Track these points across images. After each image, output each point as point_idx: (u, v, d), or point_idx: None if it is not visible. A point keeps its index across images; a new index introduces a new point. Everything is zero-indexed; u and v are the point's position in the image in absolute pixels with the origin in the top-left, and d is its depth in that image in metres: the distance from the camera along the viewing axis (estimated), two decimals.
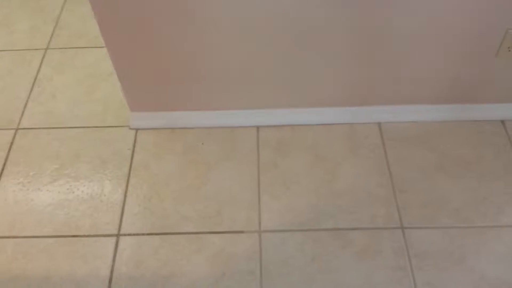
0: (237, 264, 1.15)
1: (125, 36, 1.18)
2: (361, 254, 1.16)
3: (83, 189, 1.30)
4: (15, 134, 1.44)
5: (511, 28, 1.17)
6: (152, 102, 1.40)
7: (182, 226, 1.22)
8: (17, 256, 1.18)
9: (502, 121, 1.40)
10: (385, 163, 1.32)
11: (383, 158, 1.33)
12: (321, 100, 1.39)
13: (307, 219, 1.22)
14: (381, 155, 1.34)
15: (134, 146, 1.39)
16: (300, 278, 1.13)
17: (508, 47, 1.21)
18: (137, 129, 1.43)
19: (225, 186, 1.29)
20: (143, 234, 1.21)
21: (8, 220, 1.24)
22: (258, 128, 1.42)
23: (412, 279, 1.12)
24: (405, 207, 1.24)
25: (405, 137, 1.38)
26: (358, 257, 1.16)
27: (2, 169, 1.36)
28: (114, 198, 1.28)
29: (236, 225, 1.22)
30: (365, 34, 1.18)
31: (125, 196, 1.29)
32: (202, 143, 1.39)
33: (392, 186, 1.28)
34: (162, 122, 1.43)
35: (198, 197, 1.27)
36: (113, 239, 1.21)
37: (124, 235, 1.22)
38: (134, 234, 1.22)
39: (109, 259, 1.17)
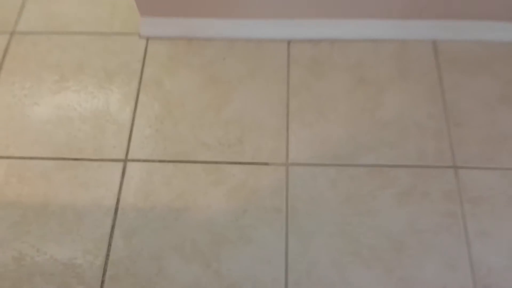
0: (260, 200, 1.01)
1: None
2: (405, 196, 1.00)
3: (86, 106, 1.14)
4: (10, 39, 1.25)
5: None
6: (166, 4, 1.18)
7: (199, 154, 1.06)
8: (10, 180, 1.05)
9: None
10: (438, 90, 1.11)
11: (436, 84, 1.12)
12: (366, 9, 1.15)
13: (342, 152, 1.05)
14: (434, 80, 1.13)
15: (144, 58, 1.20)
16: (332, 219, 0.98)
17: None
18: (148, 38, 1.23)
19: (248, 109, 1.11)
20: (153, 161, 1.06)
21: (1, 138, 1.10)
22: (289, 42, 1.20)
23: (463, 227, 0.96)
24: (460, 143, 1.05)
25: (465, 60, 1.15)
26: (400, 199, 0.99)
27: None
28: (121, 118, 1.12)
29: (260, 156, 1.06)
30: None
31: (133, 116, 1.12)
32: (224, 58, 1.19)
33: (445, 118, 1.08)
34: (177, 30, 1.22)
35: (218, 121, 1.10)
36: (120, 165, 1.06)
37: (133, 160, 1.07)
38: (143, 160, 1.07)
39: (115, 187, 1.04)
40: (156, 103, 1.13)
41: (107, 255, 0.98)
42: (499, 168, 1.02)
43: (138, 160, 1.07)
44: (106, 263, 0.97)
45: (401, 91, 1.12)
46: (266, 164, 1.05)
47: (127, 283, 0.95)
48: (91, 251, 0.98)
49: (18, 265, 0.97)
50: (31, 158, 1.07)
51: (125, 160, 1.07)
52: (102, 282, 0.95)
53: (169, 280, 0.95)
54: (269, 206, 1.00)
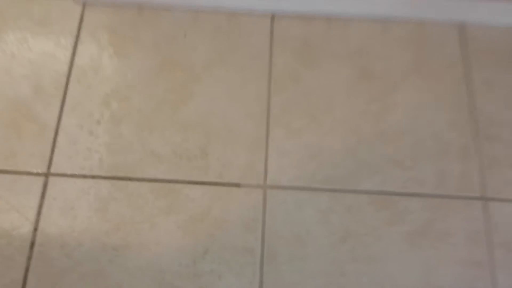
0: (227, 236, 0.75)
1: None
2: (418, 236, 0.76)
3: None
4: None
5: None
6: None
7: (146, 168, 0.79)
8: None
9: None
10: (464, 90, 0.85)
11: (462, 82, 0.86)
12: None
13: (338, 172, 0.79)
14: (459, 77, 0.86)
15: (78, 31, 0.90)
16: (322, 267, 0.74)
17: None
18: (84, 4, 0.92)
19: (216, 108, 0.83)
20: (84, 176, 0.79)
21: None
22: (273, 16, 0.91)
23: (491, 281, 0.73)
24: (492, 165, 0.80)
25: (501, 51, 0.89)
26: (412, 240, 0.75)
27: None
28: (44, 114, 0.83)
29: (230, 174, 0.79)
30: None
31: (60, 111, 0.83)
32: (185, 35, 0.89)
33: (473, 129, 0.83)
34: None
35: (174, 122, 0.82)
36: (40, 181, 0.78)
37: (56, 175, 0.79)
38: (70, 175, 0.79)
39: (32, 212, 0.76)
40: (91, 95, 0.84)
41: None
42: None
43: (64, 175, 0.79)
44: None
45: (416, 89, 0.85)
46: (237, 185, 0.78)
47: None
48: None
49: None
50: None
51: (46, 174, 0.79)
52: None
53: None
54: (239, 246, 0.75)
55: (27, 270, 0.73)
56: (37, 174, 0.78)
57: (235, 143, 0.81)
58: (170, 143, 0.81)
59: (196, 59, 0.87)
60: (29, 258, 0.74)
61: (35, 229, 0.75)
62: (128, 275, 0.73)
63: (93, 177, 0.79)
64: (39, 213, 0.76)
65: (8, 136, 0.81)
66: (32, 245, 0.75)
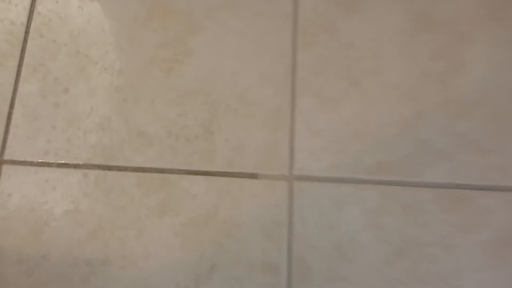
0: (240, 247, 0.56)
1: None
2: (504, 245, 0.55)
3: None
4: None
5: None
6: None
7: (131, 153, 0.59)
8: None
9: None
10: None
11: None
12: None
13: (392, 158, 0.58)
14: None
15: None
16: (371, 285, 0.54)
17: None
18: None
19: (222, 69, 0.62)
20: (49, 165, 0.59)
21: None
22: None
23: None
24: None
25: None
26: (496, 251, 0.55)
27: None
28: None
29: (243, 161, 0.59)
30: None
31: (16, 77, 0.62)
32: None
33: None
34: None
35: (167, 90, 0.61)
36: None
37: (12, 163, 0.59)
38: (30, 164, 0.59)
39: None
40: (57, 53, 0.63)
41: None
42: None
43: (23, 163, 0.59)
44: None
45: (494, 42, 0.62)
46: (253, 176, 0.58)
47: None
48: None
49: None
50: None
51: None
52: None
53: None
54: (257, 260, 0.55)
55: None
56: None
57: (249, 118, 0.60)
58: (162, 118, 0.60)
59: (196, 2, 0.64)
60: None
61: None
62: None
63: (60, 165, 0.59)
64: None
65: None
66: None
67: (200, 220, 0.56)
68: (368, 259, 0.55)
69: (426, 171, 0.57)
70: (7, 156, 0.59)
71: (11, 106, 0.61)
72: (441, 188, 0.57)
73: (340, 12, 0.63)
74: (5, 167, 0.59)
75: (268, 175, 0.58)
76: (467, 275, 0.54)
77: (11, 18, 0.65)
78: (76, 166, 0.58)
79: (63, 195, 0.57)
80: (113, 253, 0.56)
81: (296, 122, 0.60)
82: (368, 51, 0.62)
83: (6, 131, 0.60)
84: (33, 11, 0.65)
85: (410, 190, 0.57)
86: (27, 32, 0.64)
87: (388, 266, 0.55)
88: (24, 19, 0.65)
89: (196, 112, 0.60)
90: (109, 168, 0.58)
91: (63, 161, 0.59)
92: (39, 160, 0.59)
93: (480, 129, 0.59)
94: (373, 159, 0.58)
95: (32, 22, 0.65)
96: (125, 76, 0.61)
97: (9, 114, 0.61)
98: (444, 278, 0.54)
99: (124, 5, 0.65)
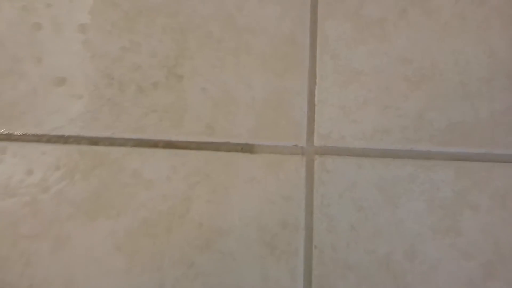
0: (226, 269, 0.33)
1: None
2: None
3: None
4: None
5: None
6: None
7: (44, 113, 0.35)
8: None
9: None
10: None
11: None
12: None
13: (479, 116, 0.36)
14: None
15: None
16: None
17: None
18: None
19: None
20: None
21: None
22: None
23: None
24: None
25: None
26: None
27: None
28: None
29: (232, 125, 0.36)
30: None
31: None
32: None
33: None
34: None
35: (111, 5, 0.37)
36: None
37: None
38: None
39: None
40: None
41: None
42: None
43: None
44: None
45: None
46: (248, 149, 0.35)
47: None
48: None
49: None
50: None
51: None
52: None
53: None
54: (259, 279, 0.33)
55: None
56: None
57: (241, 54, 0.37)
58: (98, 53, 0.36)
59: None
60: None
61: None
62: None
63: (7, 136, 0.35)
64: None
65: None
66: None
67: (159, 224, 0.34)
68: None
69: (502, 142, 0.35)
70: None
71: None
72: None
73: None
74: None
75: (272, 147, 0.35)
76: None
77: None
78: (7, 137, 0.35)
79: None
80: (15, 278, 0.33)
81: (318, 61, 0.37)
82: None
83: None
84: None
85: (509, 167, 0.34)
86: None
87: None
88: None
89: (155, 43, 0.36)
90: (6, 137, 0.35)
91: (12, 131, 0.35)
92: None
93: None
94: (446, 119, 0.35)
95: None
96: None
97: None
98: None
99: None
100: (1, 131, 0.35)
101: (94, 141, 0.35)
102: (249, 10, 0.38)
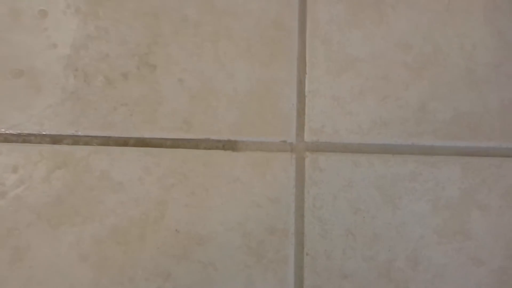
0: (207, 282, 0.30)
1: None
2: None
3: None
4: None
5: None
6: None
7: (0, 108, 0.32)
8: None
9: None
10: None
11: None
12: None
13: (487, 105, 0.32)
14: None
15: None
16: None
17: None
18: None
19: None
20: None
21: None
22: None
23: None
24: None
25: None
26: None
27: None
28: None
29: (213, 119, 0.32)
30: None
31: None
32: None
33: None
34: None
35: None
36: None
37: None
38: None
39: None
40: None
41: None
42: None
43: None
44: None
45: None
46: (231, 147, 0.31)
47: None
48: None
49: None
50: None
51: None
52: None
53: None
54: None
55: None
56: None
57: (222, 40, 0.33)
58: (60, 41, 0.32)
59: None
60: None
61: None
62: None
63: None
64: None
65: None
66: None
67: (130, 231, 0.30)
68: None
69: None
70: None
71: None
72: None
73: None
74: None
75: (257, 143, 0.31)
76: None
77: None
78: None
79: None
80: None
81: (308, 46, 0.33)
82: None
83: None
84: None
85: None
86: None
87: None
88: None
89: (125, 30, 0.33)
90: None
91: None
92: None
93: None
94: (451, 110, 0.32)
95: None
96: None
97: None
98: None
99: None
100: None
101: (56, 140, 0.31)
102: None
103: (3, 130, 0.31)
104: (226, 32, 0.33)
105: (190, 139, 0.31)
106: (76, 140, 0.31)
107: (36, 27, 0.32)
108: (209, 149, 0.31)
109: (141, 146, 0.31)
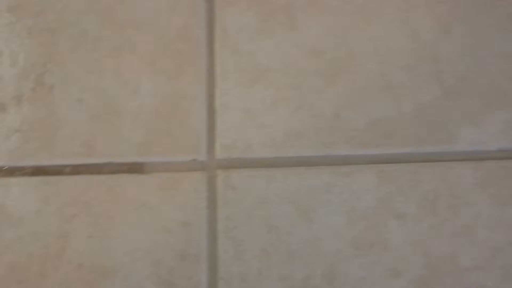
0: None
1: None
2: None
3: None
4: None
5: None
6: None
7: None
8: None
9: None
10: None
11: None
12: None
13: (403, 111, 0.31)
14: None
15: None
16: None
17: None
18: None
19: None
20: None
21: None
22: None
23: None
24: None
25: None
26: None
27: None
28: None
29: (116, 141, 0.30)
30: None
31: None
32: None
33: None
34: None
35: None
36: None
37: None
38: None
39: None
40: None
41: None
42: None
43: None
44: None
45: None
46: (137, 169, 0.30)
47: None
48: None
49: None
50: None
51: None
52: None
53: None
54: None
55: None
56: None
57: (125, 53, 0.31)
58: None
59: None
60: None
61: None
62: None
63: None
64: None
65: None
66: None
67: (30, 268, 0.28)
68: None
69: (463, 132, 0.31)
70: None
71: None
72: (492, 160, 0.31)
73: None
74: None
75: (166, 164, 0.30)
76: None
77: None
78: None
79: None
80: None
81: (217, 58, 0.31)
82: None
83: None
84: None
85: (438, 167, 0.30)
86: None
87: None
88: None
89: (17, 49, 0.30)
90: None
91: None
92: None
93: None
94: (365, 117, 0.31)
95: None
96: None
97: None
98: None
99: None
100: None
101: None
102: (132, 1, 0.32)
103: None
104: (128, 46, 0.31)
105: (92, 163, 0.29)
106: None
107: None
108: (113, 173, 0.29)
109: (39, 175, 0.29)
